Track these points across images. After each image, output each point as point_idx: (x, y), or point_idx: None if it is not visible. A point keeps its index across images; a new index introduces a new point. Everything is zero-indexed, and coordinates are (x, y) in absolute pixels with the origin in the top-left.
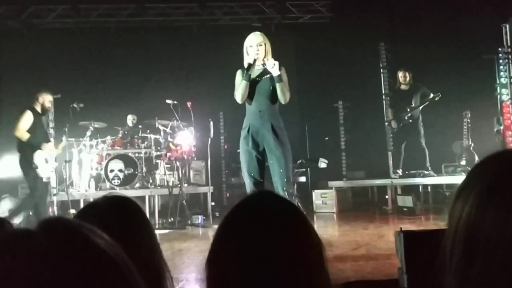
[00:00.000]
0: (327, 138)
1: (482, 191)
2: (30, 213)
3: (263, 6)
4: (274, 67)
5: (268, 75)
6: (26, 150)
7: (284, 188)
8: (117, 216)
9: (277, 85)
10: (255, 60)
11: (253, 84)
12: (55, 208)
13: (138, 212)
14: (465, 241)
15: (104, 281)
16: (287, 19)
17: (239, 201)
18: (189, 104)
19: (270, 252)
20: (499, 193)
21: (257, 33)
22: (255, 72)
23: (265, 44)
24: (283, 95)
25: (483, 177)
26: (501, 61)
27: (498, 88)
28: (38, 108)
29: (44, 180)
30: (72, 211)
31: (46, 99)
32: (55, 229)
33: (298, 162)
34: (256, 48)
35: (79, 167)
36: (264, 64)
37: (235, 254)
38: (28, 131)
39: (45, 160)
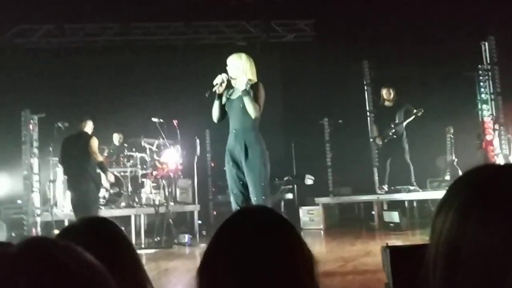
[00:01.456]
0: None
1: (461, 206)
2: (13, 234)
3: (248, 26)
4: (241, 82)
5: (239, 94)
6: (95, 170)
7: None
8: (96, 238)
9: (244, 99)
10: (223, 80)
11: (228, 104)
12: (39, 229)
13: (118, 232)
14: (446, 255)
15: None
16: (272, 38)
17: (234, 213)
18: (175, 122)
19: (262, 264)
20: (478, 208)
21: (235, 54)
22: (230, 92)
23: (238, 63)
24: (249, 109)
25: (462, 192)
26: (481, 77)
27: (479, 104)
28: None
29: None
30: (56, 231)
31: (92, 125)
32: (30, 250)
33: (284, 179)
34: (229, 68)
35: (63, 186)
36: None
37: (226, 265)
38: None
39: None
